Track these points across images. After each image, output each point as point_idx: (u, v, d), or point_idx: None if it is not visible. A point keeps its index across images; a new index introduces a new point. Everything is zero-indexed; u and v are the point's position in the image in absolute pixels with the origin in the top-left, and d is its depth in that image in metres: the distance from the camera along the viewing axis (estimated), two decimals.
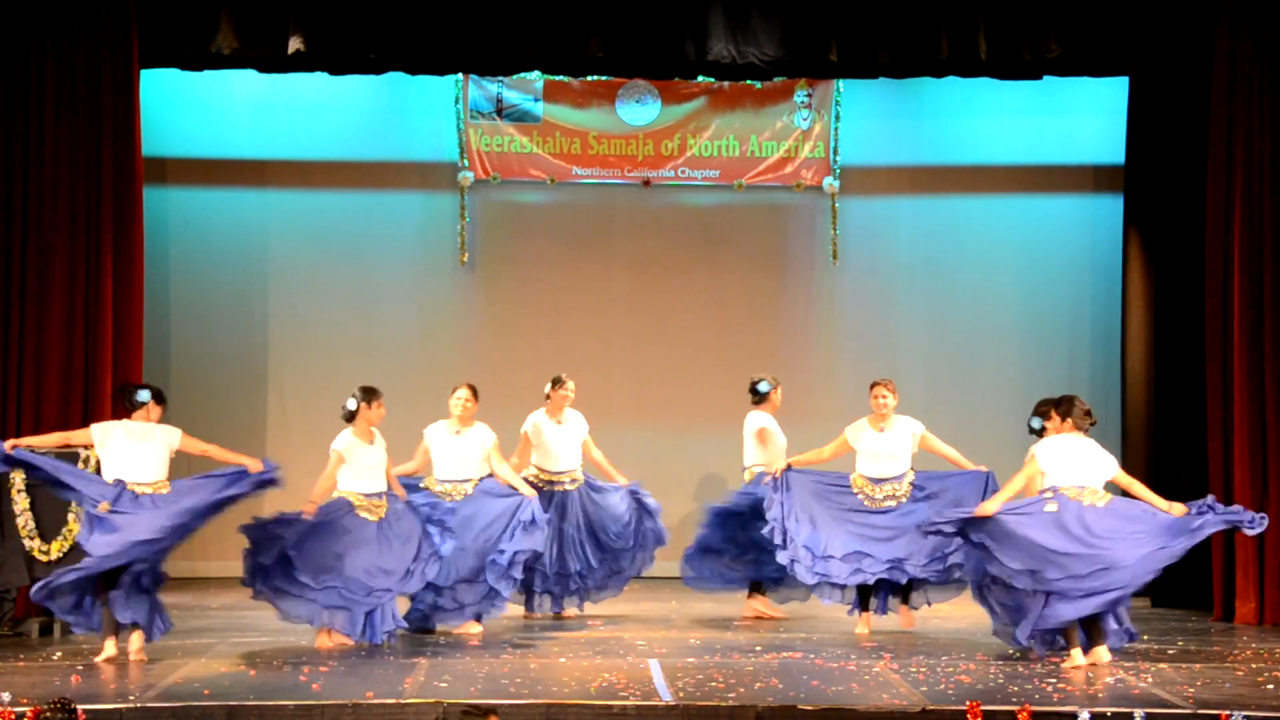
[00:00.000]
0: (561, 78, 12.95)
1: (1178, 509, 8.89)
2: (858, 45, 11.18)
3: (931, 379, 11.71)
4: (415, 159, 13.27)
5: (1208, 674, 8.52)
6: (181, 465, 9.32)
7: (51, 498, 9.78)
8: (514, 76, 12.85)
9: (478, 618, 10.08)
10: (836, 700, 7.66)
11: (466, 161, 13.09)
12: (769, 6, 11.11)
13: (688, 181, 13.31)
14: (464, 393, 10.32)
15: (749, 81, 12.88)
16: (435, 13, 11.02)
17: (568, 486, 10.77)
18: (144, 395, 9.15)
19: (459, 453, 10.26)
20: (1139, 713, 7.18)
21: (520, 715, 7.44)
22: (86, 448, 9.39)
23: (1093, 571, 8.66)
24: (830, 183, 13.20)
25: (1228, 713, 7.20)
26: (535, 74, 12.85)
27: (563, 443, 10.80)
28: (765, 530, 10.13)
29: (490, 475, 10.26)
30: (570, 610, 10.82)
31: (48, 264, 10.75)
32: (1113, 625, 8.98)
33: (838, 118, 13.18)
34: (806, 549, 10.02)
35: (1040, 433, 9.40)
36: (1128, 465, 12.10)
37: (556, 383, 10.80)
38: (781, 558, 10.10)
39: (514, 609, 10.65)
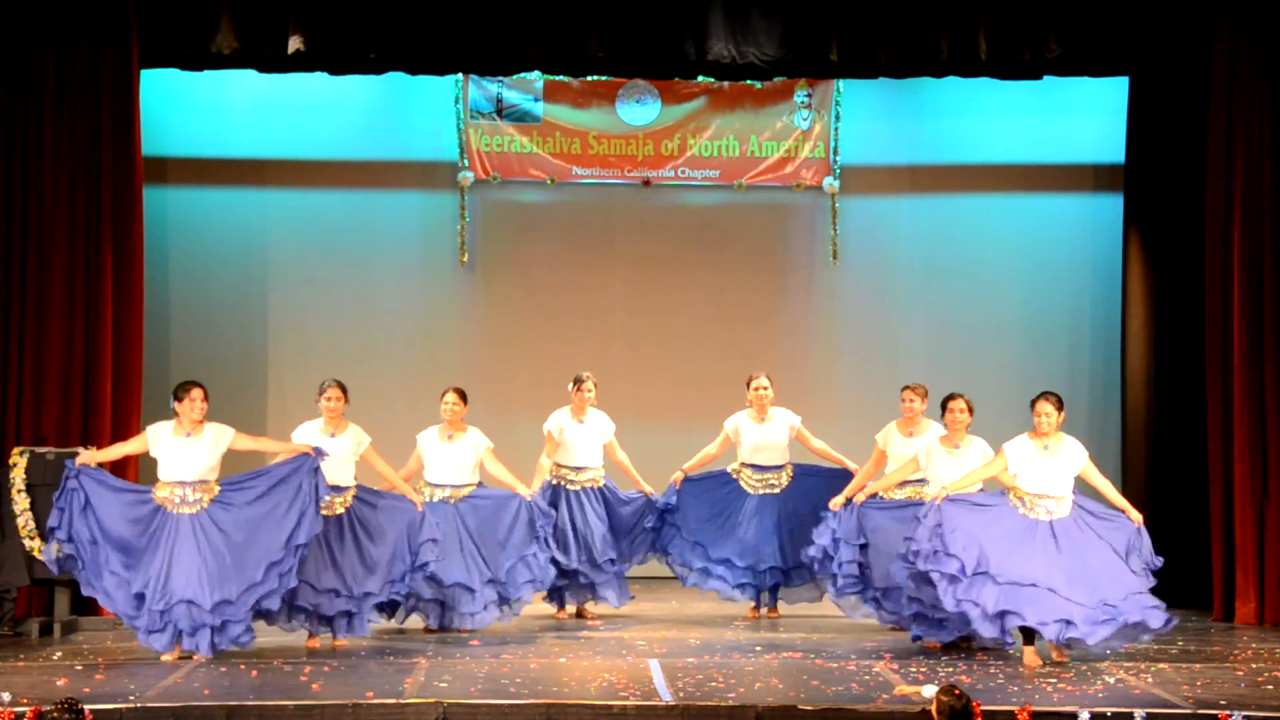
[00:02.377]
0: (561, 78, 12.94)
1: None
2: (858, 45, 11.18)
3: (931, 379, 11.65)
4: (415, 159, 13.26)
5: (1208, 674, 8.52)
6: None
7: (51, 498, 9.76)
8: (514, 76, 12.84)
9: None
10: (836, 700, 7.67)
11: (466, 161, 13.08)
12: (769, 6, 11.11)
13: (688, 181, 13.30)
14: (451, 397, 10.27)
15: (749, 81, 12.87)
16: (435, 13, 11.02)
17: (584, 484, 10.75)
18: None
19: (450, 459, 10.24)
20: (1139, 713, 7.19)
21: (520, 715, 7.45)
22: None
23: None
24: (830, 183, 13.19)
25: (1228, 713, 7.21)
26: (535, 74, 12.84)
27: (583, 442, 10.78)
28: None
29: (481, 484, 10.29)
30: (589, 608, 10.79)
31: (48, 264, 10.75)
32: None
33: (838, 118, 13.17)
34: None
35: None
36: (1128, 465, 12.15)
37: (576, 382, 10.79)
38: None
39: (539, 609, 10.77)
